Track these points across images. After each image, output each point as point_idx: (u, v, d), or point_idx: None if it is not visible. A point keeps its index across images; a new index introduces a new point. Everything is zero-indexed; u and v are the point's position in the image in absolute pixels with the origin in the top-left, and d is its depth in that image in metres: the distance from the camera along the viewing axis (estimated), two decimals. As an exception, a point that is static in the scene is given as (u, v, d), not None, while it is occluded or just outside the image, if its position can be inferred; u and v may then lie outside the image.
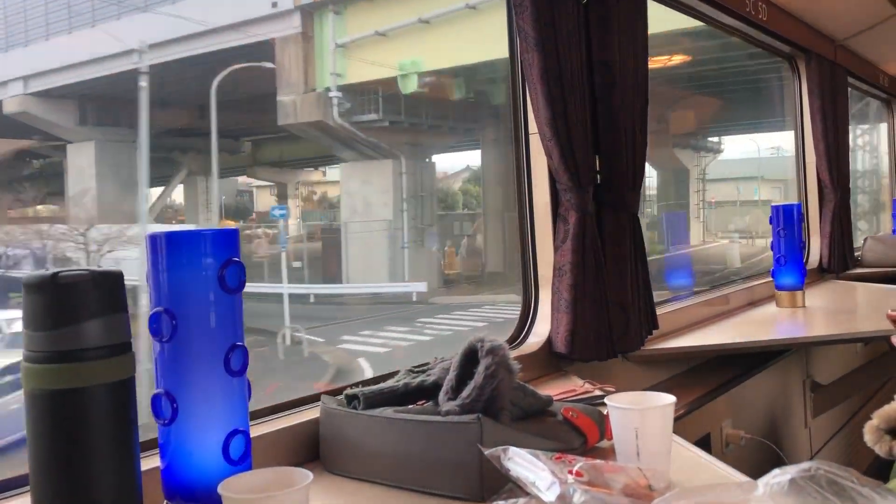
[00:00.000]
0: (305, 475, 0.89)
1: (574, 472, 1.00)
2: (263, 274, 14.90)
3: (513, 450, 1.02)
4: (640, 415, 1.14)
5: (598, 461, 1.04)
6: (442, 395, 1.22)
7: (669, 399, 1.17)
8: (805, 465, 0.84)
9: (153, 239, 0.97)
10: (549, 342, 1.90)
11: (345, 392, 1.29)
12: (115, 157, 15.15)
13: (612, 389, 1.55)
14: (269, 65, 15.14)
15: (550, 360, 1.90)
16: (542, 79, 1.78)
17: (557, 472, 0.99)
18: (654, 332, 2.12)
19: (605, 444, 1.31)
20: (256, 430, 1.22)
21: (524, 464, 1.00)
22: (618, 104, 1.99)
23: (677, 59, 13.80)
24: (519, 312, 2.02)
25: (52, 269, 0.84)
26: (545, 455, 1.02)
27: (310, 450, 1.29)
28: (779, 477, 0.84)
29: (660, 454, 1.14)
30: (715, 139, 26.22)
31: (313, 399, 1.36)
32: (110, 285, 0.87)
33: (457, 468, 1.12)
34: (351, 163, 17.33)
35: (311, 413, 1.34)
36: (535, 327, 1.98)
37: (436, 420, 1.16)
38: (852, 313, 3.15)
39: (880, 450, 1.46)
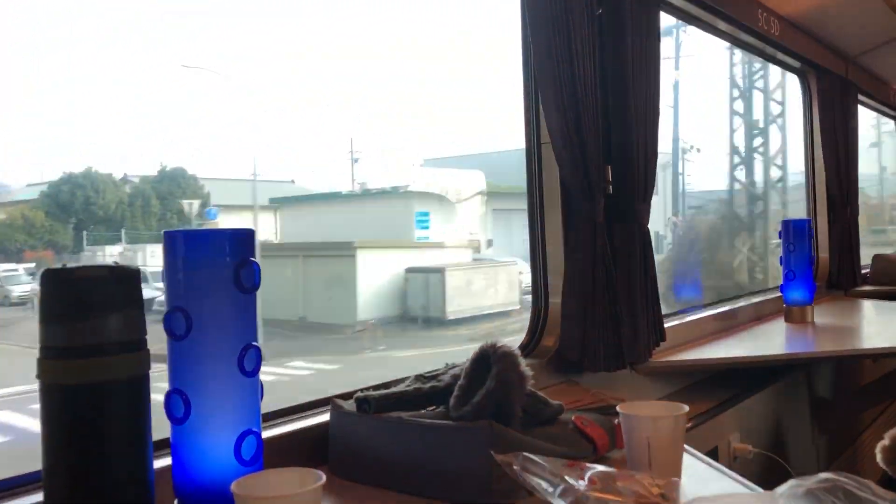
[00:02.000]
0: (318, 476, 0.89)
1: (587, 479, 0.99)
2: None
3: (524, 455, 1.01)
4: (653, 423, 1.14)
5: (610, 469, 1.04)
6: (453, 401, 1.21)
7: (682, 409, 1.17)
8: (822, 475, 0.83)
9: (170, 237, 0.97)
10: (558, 352, 1.89)
11: (355, 396, 1.28)
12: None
13: (622, 399, 1.54)
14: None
15: (559, 370, 1.90)
16: (556, 87, 1.78)
17: (570, 478, 0.98)
18: (662, 344, 2.12)
19: (615, 453, 1.30)
20: (266, 434, 1.21)
21: (536, 470, 0.99)
22: (630, 115, 1.99)
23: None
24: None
25: (70, 264, 0.84)
26: (557, 462, 1.01)
27: (319, 454, 1.29)
28: (796, 488, 0.83)
29: (672, 464, 1.14)
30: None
31: (324, 403, 1.36)
32: (127, 281, 0.87)
33: (467, 474, 1.11)
34: None
35: (321, 417, 1.33)
36: (544, 336, 1.97)
37: (446, 425, 1.16)
38: (860, 330, 3.13)
39: (893, 471, 1.45)
